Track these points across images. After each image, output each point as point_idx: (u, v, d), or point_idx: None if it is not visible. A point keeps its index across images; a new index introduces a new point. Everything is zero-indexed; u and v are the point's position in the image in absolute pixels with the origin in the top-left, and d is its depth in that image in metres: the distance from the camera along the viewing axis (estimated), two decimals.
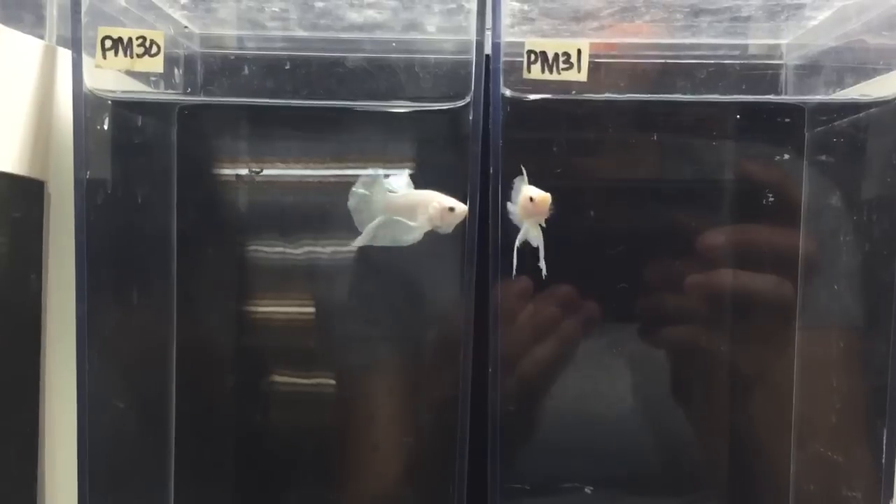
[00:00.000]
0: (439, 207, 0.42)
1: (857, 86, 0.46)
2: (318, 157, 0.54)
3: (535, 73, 0.41)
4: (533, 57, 0.41)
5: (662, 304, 0.50)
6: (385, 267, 0.53)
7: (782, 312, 0.49)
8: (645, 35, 0.51)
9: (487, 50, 0.43)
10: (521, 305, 0.48)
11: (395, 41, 0.52)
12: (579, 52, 0.41)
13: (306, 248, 0.53)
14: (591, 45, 0.48)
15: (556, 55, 0.41)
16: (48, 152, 0.45)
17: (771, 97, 0.50)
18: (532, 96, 0.42)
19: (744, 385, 0.51)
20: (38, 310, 0.45)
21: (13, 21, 0.48)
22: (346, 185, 0.53)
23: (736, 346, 0.51)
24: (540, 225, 0.43)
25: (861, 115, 0.45)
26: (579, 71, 0.41)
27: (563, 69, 0.41)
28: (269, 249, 0.54)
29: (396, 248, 0.50)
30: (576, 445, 0.52)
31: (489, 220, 0.43)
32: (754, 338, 0.51)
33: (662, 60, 0.52)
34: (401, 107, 0.46)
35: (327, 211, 0.53)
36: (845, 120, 0.46)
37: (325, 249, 0.53)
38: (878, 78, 0.44)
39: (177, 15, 0.51)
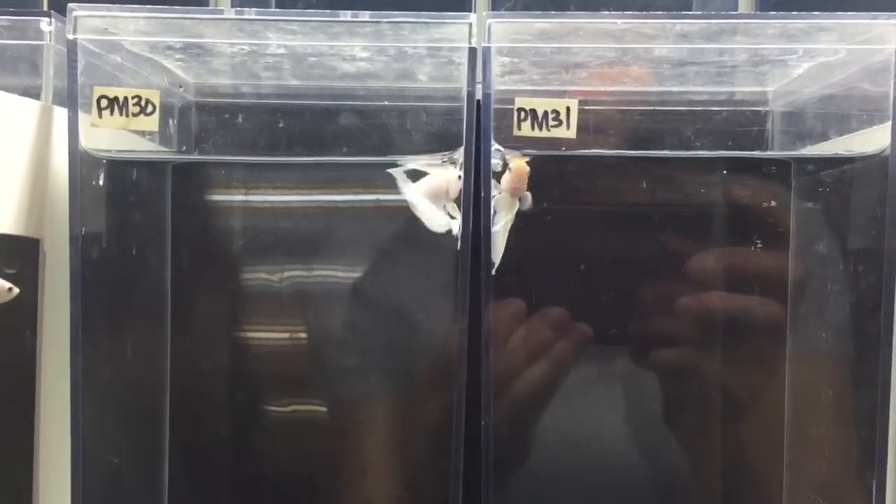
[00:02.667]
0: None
1: (842, 138, 0.46)
2: (310, 202, 0.55)
3: (525, 130, 0.42)
4: (523, 115, 0.42)
5: (654, 328, 0.51)
6: (378, 297, 0.53)
7: (772, 336, 0.50)
8: (633, 82, 0.52)
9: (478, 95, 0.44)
10: (512, 328, 0.48)
11: (386, 90, 0.53)
12: (568, 109, 0.42)
13: (299, 289, 0.54)
14: (580, 92, 0.50)
15: (546, 112, 0.42)
16: (43, 210, 0.45)
17: (757, 153, 0.51)
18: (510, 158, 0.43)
19: (735, 409, 0.51)
20: (33, 367, 0.45)
21: (9, 71, 0.48)
22: (338, 224, 0.54)
23: (726, 371, 0.51)
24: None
25: (846, 167, 0.46)
26: (568, 128, 0.42)
27: (552, 126, 0.42)
28: (264, 297, 0.54)
29: (387, 276, 0.51)
30: (568, 471, 0.52)
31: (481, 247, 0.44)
32: (745, 362, 0.51)
33: (650, 108, 0.53)
34: (394, 163, 0.46)
35: (323, 255, 0.54)
36: (831, 171, 0.47)
37: (323, 293, 0.54)
38: (862, 131, 0.45)
39: (172, 66, 0.52)
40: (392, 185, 0.53)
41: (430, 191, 0.46)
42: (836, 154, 0.46)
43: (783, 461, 0.51)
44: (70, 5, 0.43)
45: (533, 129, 0.42)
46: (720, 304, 0.50)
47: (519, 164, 0.43)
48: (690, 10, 0.72)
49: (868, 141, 0.44)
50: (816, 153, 0.48)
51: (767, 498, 0.51)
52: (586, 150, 0.45)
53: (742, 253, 0.50)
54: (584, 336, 0.49)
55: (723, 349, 0.51)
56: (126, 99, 0.43)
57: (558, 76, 0.50)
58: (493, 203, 0.43)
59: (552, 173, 0.48)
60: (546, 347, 0.49)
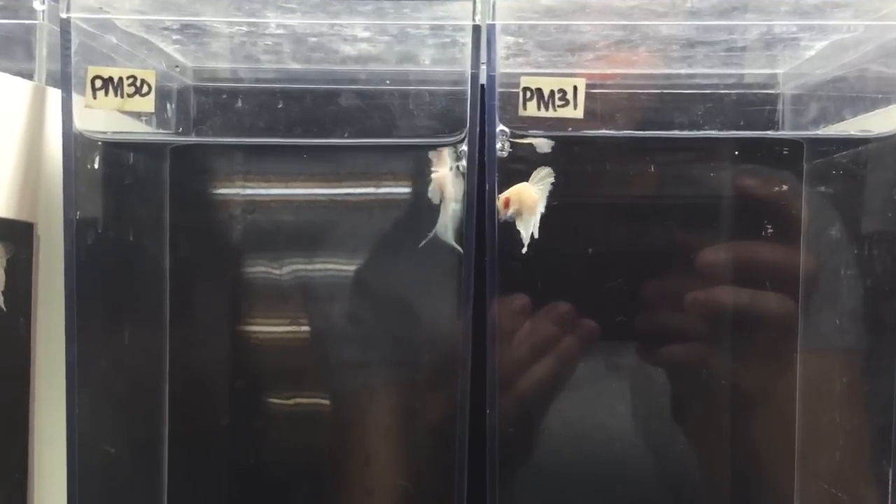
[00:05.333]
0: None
1: (856, 119, 0.45)
2: (312, 187, 0.54)
3: (531, 110, 0.41)
4: (529, 94, 0.41)
5: (662, 323, 0.50)
6: (380, 287, 0.52)
7: (783, 330, 0.49)
8: (640, 65, 0.51)
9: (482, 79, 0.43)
10: (518, 323, 0.48)
11: (389, 73, 0.52)
12: (575, 88, 0.41)
13: (300, 276, 0.53)
14: (587, 74, 0.48)
15: (552, 92, 0.41)
16: (37, 193, 0.44)
17: (769, 133, 0.50)
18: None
19: (745, 405, 0.50)
20: (28, 354, 0.44)
21: (1, 51, 0.47)
22: (340, 211, 0.53)
23: (737, 365, 0.50)
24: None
25: (861, 148, 0.45)
26: (575, 108, 0.41)
27: (559, 106, 0.41)
28: (264, 285, 0.53)
29: (391, 268, 0.50)
30: (575, 468, 0.51)
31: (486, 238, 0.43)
32: (756, 356, 0.50)
33: (658, 91, 0.52)
34: (396, 144, 0.45)
35: (324, 242, 0.53)
36: (845, 153, 0.46)
37: (323, 281, 0.53)
38: (877, 111, 0.44)
39: (169, 49, 0.51)
40: (396, 173, 0.52)
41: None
42: (851, 135, 0.45)
43: (794, 453, 0.50)
44: None
45: (539, 108, 0.41)
46: (730, 298, 0.49)
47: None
48: None
49: (883, 121, 0.43)
50: (830, 133, 0.47)
51: (778, 489, 0.50)
52: (593, 132, 0.44)
53: (753, 245, 0.49)
54: (590, 332, 0.48)
55: (734, 343, 0.50)
56: (121, 79, 0.42)
57: (564, 58, 0.49)
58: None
59: (556, 159, 0.47)
60: (552, 343, 0.48)
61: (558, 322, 0.48)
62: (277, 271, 0.53)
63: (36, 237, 0.44)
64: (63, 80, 0.42)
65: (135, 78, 0.42)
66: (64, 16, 0.42)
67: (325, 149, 0.53)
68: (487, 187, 0.43)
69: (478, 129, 0.43)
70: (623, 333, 0.50)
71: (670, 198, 0.51)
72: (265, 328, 0.54)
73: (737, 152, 0.49)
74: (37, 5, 0.44)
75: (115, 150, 0.46)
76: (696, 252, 0.49)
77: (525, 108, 0.41)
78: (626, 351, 0.50)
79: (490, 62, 0.42)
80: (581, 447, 0.51)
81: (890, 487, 0.40)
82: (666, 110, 0.51)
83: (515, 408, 0.48)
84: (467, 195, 0.43)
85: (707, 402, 0.51)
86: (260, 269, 0.53)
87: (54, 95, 0.44)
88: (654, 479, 0.52)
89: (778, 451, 0.50)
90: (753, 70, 0.52)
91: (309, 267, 0.53)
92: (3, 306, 0.42)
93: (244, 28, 0.46)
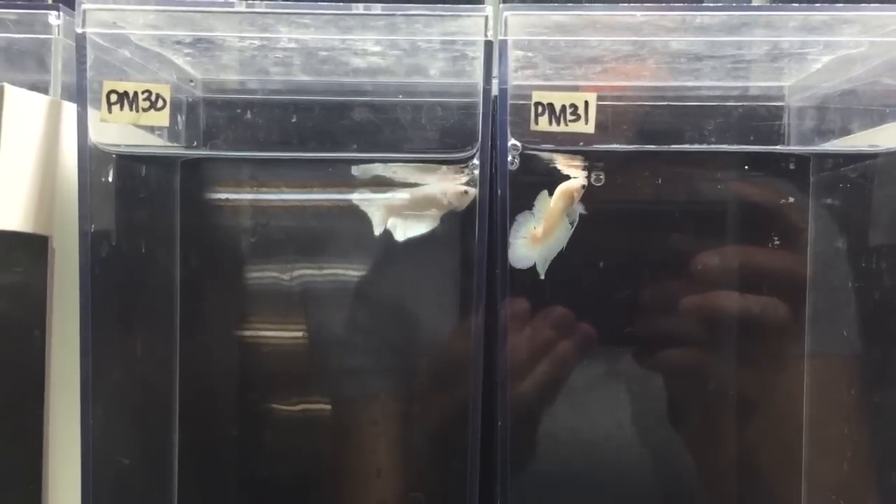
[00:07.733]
0: (457, 192, 0.46)
1: (862, 133, 0.46)
2: (322, 199, 0.54)
3: (543, 124, 0.41)
4: (540, 109, 0.41)
5: (660, 327, 0.50)
6: (390, 296, 0.53)
7: (781, 336, 0.49)
8: (647, 78, 0.51)
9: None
10: (517, 329, 0.48)
11: (399, 85, 0.52)
12: (586, 103, 0.41)
13: (310, 286, 0.53)
14: (594, 87, 0.49)
15: (564, 107, 0.41)
16: (52, 207, 0.44)
17: (778, 147, 0.50)
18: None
19: (744, 409, 0.51)
20: (43, 366, 0.44)
21: (17, 66, 0.48)
22: (350, 221, 0.53)
23: (735, 370, 0.50)
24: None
25: (868, 162, 0.45)
26: (587, 122, 0.41)
27: (570, 121, 0.41)
28: (274, 294, 0.53)
29: (398, 274, 0.51)
30: (583, 475, 0.51)
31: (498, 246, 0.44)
32: (754, 361, 0.50)
33: (665, 103, 0.52)
34: (407, 160, 0.46)
35: (334, 252, 0.53)
36: (852, 166, 0.46)
37: (333, 291, 0.53)
38: (884, 126, 0.44)
39: (180, 61, 0.51)
40: (402, 181, 0.53)
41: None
42: (859, 150, 0.45)
43: (795, 459, 0.50)
44: None
45: (551, 123, 0.41)
46: (724, 304, 0.49)
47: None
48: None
49: (891, 136, 0.43)
50: (839, 148, 0.47)
51: (783, 496, 0.50)
52: (602, 147, 0.44)
53: (749, 250, 0.50)
54: (586, 336, 0.49)
55: (731, 349, 0.50)
56: (136, 93, 0.42)
57: (571, 71, 0.49)
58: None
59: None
60: (548, 348, 0.48)
61: (554, 327, 0.48)
62: (287, 281, 0.53)
63: (51, 250, 0.44)
64: (79, 95, 0.42)
65: (150, 92, 0.42)
66: (79, 31, 0.42)
67: (335, 160, 0.53)
68: (499, 198, 0.43)
69: (489, 143, 0.43)
70: (636, 342, 0.50)
71: (675, 206, 0.51)
72: (276, 338, 0.54)
73: (746, 166, 0.49)
74: (52, 20, 0.45)
75: (127, 163, 0.46)
76: (695, 256, 0.49)
77: (537, 122, 0.41)
78: (638, 359, 0.50)
79: (501, 76, 0.43)
80: (590, 454, 0.51)
81: None
82: (671, 122, 0.52)
83: (521, 414, 0.48)
84: (479, 204, 0.44)
85: (713, 408, 0.51)
86: (270, 279, 0.53)
87: (69, 109, 0.44)
88: (664, 488, 0.52)
89: (779, 456, 0.50)
90: (759, 83, 0.53)
91: (319, 277, 0.53)
92: None
93: (256, 42, 0.46)
